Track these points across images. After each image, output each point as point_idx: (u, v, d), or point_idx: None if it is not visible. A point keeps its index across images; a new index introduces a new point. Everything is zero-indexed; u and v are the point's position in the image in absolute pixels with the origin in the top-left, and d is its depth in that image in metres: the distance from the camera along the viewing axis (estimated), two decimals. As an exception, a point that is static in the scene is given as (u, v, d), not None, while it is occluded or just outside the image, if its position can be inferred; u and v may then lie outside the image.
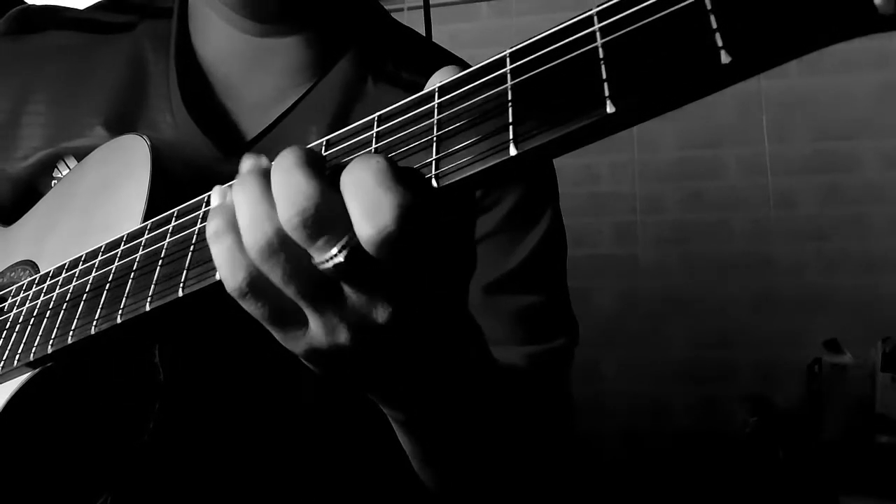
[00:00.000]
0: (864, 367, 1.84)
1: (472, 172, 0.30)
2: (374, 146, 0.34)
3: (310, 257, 0.32)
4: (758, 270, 2.20)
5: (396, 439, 0.49)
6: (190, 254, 0.39)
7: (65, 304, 0.47)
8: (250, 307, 0.34)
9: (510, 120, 0.29)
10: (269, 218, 0.32)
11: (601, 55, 0.28)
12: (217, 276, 0.36)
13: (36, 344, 0.47)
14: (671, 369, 2.24)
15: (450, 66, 0.34)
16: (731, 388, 2.16)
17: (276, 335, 0.36)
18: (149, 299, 0.40)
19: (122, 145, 0.55)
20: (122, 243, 0.45)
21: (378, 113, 0.35)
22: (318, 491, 0.59)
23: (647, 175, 2.29)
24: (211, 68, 0.63)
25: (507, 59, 0.31)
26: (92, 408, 0.53)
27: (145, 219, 0.47)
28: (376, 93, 0.61)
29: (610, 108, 0.26)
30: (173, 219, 0.42)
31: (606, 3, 0.28)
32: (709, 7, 0.25)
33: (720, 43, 0.24)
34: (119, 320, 0.41)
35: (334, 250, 0.31)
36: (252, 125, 0.61)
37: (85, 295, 0.45)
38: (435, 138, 0.32)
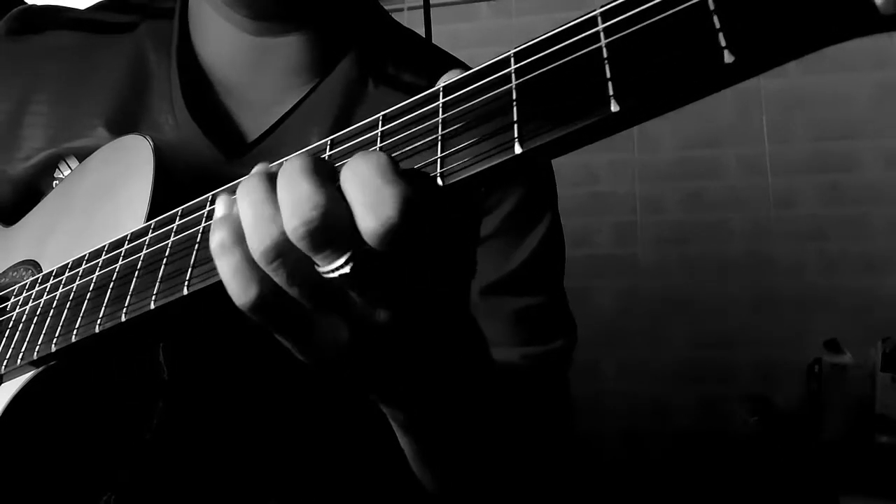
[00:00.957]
0: (864, 367, 1.84)
1: (476, 171, 0.30)
2: (378, 146, 0.34)
3: (314, 264, 0.32)
4: (758, 270, 2.19)
5: (396, 440, 0.49)
6: (195, 252, 0.39)
7: (68, 303, 0.47)
8: (258, 319, 0.34)
9: (515, 119, 0.30)
10: (274, 222, 0.31)
11: (605, 55, 0.28)
12: None
13: (39, 343, 0.47)
14: (671, 369, 2.23)
15: (456, 70, 0.34)
16: (731, 388, 2.16)
17: (283, 341, 0.36)
18: (153, 297, 0.40)
19: (124, 146, 0.55)
20: (126, 242, 0.45)
21: (382, 112, 0.35)
22: (319, 490, 0.60)
23: (647, 175, 2.29)
24: (212, 68, 0.63)
25: (512, 59, 0.31)
26: (95, 406, 0.53)
27: (148, 219, 0.47)
28: (378, 95, 0.61)
29: (614, 107, 0.27)
30: (177, 218, 0.42)
31: (611, 3, 0.29)
32: (712, 7, 0.25)
33: (723, 43, 0.25)
34: (124, 318, 0.41)
35: (340, 261, 0.30)
36: (253, 126, 0.61)
37: (88, 294, 0.45)
38: (440, 137, 0.32)
